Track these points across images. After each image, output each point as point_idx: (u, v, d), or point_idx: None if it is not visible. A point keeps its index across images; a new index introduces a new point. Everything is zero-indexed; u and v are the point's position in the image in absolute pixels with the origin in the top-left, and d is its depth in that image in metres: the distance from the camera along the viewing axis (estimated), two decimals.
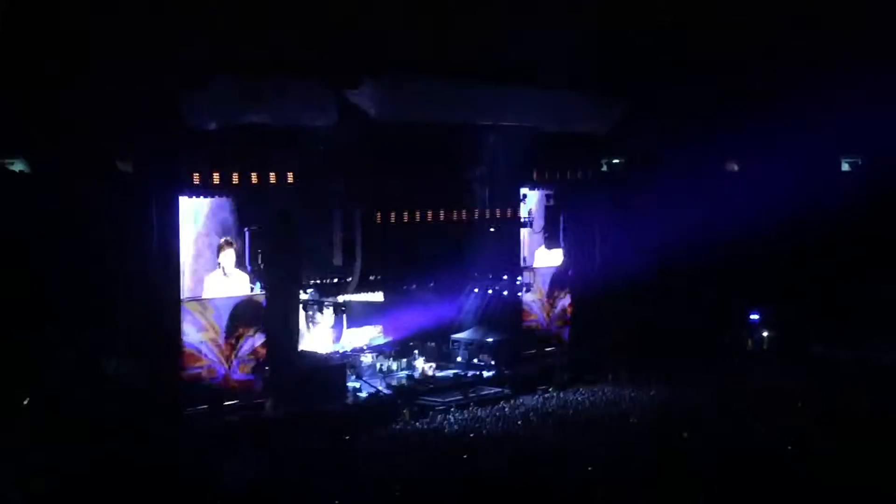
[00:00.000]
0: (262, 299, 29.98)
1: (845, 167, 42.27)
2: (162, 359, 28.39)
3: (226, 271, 29.36)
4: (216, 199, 29.18)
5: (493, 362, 35.29)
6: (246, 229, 29.67)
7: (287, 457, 25.64)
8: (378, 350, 35.21)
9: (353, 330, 34.57)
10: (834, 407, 28.91)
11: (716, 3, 35.30)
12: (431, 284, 36.23)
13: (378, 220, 33.17)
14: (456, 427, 28.48)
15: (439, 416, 29.96)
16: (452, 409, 30.48)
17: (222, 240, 29.28)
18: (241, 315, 29.70)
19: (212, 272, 29.18)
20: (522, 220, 37.27)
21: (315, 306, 32.73)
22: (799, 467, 23.45)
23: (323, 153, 32.36)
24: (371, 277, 33.53)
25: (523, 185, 37.32)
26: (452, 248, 35.93)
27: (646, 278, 37.73)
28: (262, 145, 30.00)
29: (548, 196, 37.96)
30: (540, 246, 38.09)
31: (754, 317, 39.73)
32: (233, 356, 29.51)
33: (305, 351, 32.20)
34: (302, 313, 32.32)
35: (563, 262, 38.42)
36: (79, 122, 27.23)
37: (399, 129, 33.11)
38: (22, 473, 22.80)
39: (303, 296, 32.28)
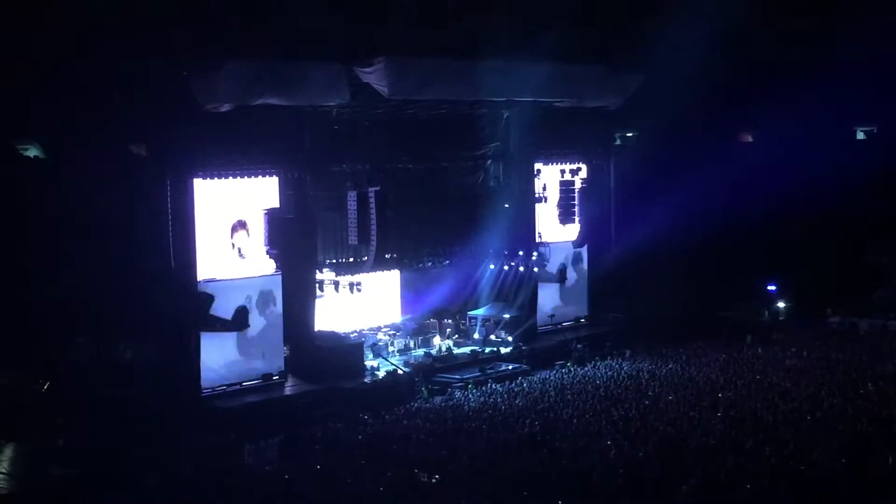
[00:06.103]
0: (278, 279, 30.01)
1: (860, 136, 42.04)
2: (179, 342, 28.44)
3: (241, 252, 29.35)
4: (231, 181, 29.22)
5: (510, 338, 35.30)
6: (263, 210, 29.71)
7: (306, 436, 25.69)
8: (395, 328, 35.27)
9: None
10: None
11: None
12: (447, 262, 36.28)
13: (393, 199, 33.19)
14: (474, 403, 28.43)
15: (457, 392, 29.99)
16: (470, 386, 30.49)
17: (235, 221, 29.27)
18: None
19: (227, 254, 29.16)
20: (537, 195, 37.24)
21: (331, 286, 32.71)
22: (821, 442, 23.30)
23: (337, 133, 32.34)
24: (387, 256, 33.58)
25: (537, 161, 37.26)
26: (467, 225, 35.96)
27: (661, 252, 37.65)
28: (276, 126, 29.98)
29: (562, 171, 37.94)
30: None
31: (771, 288, 39.62)
32: None
33: (322, 330, 32.29)
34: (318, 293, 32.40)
35: (578, 237, 38.34)
36: (92, 106, 27.18)
37: (412, 107, 33.10)
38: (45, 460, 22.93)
39: (319, 276, 32.30)
